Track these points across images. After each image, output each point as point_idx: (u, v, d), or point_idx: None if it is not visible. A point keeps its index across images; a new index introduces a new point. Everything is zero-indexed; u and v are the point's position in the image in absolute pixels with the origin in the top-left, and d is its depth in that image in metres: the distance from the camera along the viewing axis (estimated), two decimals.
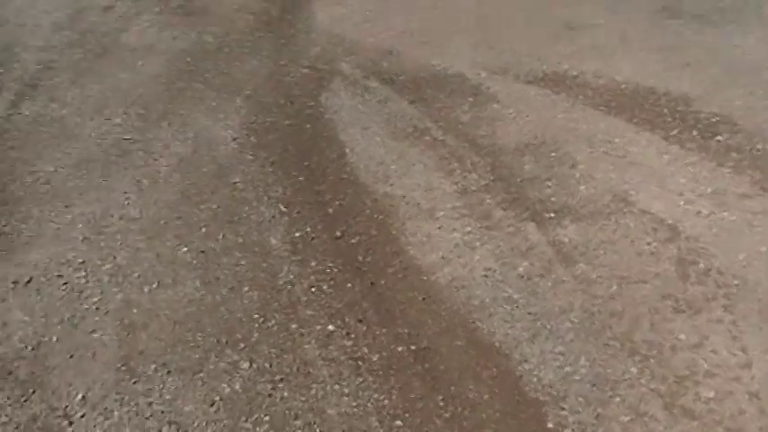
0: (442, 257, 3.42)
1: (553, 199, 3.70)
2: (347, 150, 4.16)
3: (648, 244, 3.40)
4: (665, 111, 4.28)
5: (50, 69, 5.22)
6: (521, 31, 5.22)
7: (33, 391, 2.97)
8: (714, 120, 4.21)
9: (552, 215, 3.60)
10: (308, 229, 3.65)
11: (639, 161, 3.90)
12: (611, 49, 4.90)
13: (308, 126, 4.38)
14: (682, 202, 3.64)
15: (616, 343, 2.96)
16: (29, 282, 3.49)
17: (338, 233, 3.62)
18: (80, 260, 3.57)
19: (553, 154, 4.00)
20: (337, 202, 3.81)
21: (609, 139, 4.06)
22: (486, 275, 3.30)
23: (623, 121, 4.20)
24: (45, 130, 4.55)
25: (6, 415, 2.89)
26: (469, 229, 3.56)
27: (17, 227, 3.82)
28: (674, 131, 4.11)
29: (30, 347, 3.16)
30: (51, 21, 5.93)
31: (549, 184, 3.79)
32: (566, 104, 4.37)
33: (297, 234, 3.63)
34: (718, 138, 4.07)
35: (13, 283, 3.49)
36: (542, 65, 4.78)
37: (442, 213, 3.67)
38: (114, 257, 3.57)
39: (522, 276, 3.28)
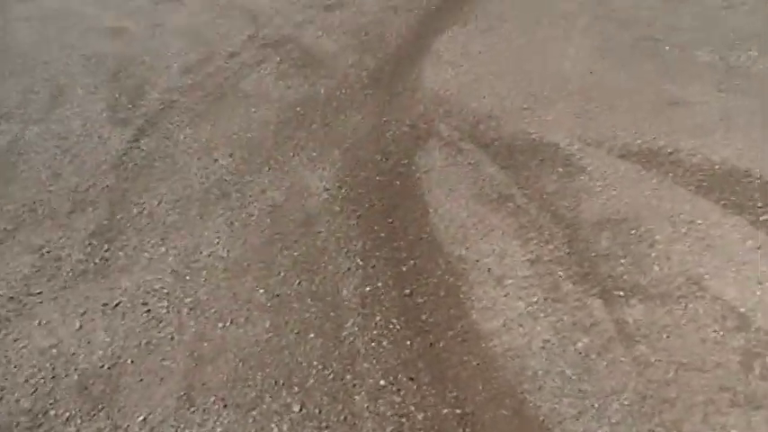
0: (504, 325, 3.47)
1: (625, 277, 3.69)
2: (431, 210, 4.27)
3: (715, 332, 3.35)
4: (757, 195, 4.18)
5: (171, 109, 5.60)
6: (623, 104, 5.21)
7: (102, 408, 3.21)
8: None
9: (621, 293, 3.60)
10: (380, 285, 3.78)
11: (720, 245, 3.84)
12: (712, 128, 4.82)
13: (397, 183, 4.53)
14: (759, 292, 3.56)
15: (662, 430, 2.94)
16: (117, 305, 3.76)
17: (407, 291, 3.73)
18: (165, 291, 3.83)
19: (633, 231, 3.99)
20: (412, 261, 3.92)
21: (692, 220, 4.01)
22: (543, 347, 3.33)
23: (711, 203, 4.13)
24: (157, 165, 4.88)
25: (75, 425, 3.14)
26: (535, 299, 3.60)
27: (115, 253, 4.13)
28: (763, 217, 4.02)
29: (107, 366, 3.41)
30: (181, 63, 6.36)
31: (623, 262, 3.78)
32: (654, 181, 4.34)
33: (368, 288, 3.76)
34: None
35: (103, 305, 3.77)
36: (638, 139, 4.76)
37: (511, 281, 3.73)
38: (196, 292, 3.81)
39: (580, 352, 3.30)
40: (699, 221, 4.02)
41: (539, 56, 6.05)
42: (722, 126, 4.84)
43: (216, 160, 4.90)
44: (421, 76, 5.81)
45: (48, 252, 4.20)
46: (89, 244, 4.22)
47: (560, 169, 4.55)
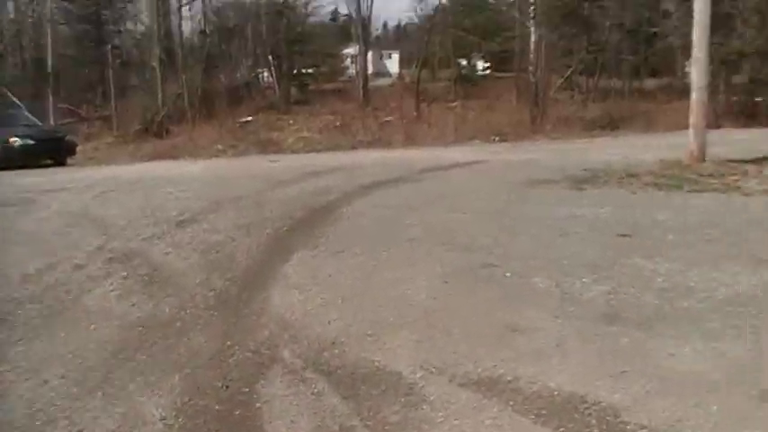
0: None
1: None
2: None
3: None
4: (593, 421, 4.27)
5: (4, 322, 5.36)
6: (464, 331, 5.37)
7: None
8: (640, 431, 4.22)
9: None
10: None
11: None
12: (549, 354, 5.00)
13: (237, 413, 4.42)
14: None
15: None
16: None
17: None
18: None
19: None
20: None
21: None
22: None
23: (550, 431, 4.21)
24: None
25: None
26: None
27: None
28: None
29: None
30: (21, 272, 6.17)
31: None
32: (495, 410, 4.39)
33: None
34: None
35: None
36: (478, 367, 4.86)
37: None
38: None
39: None
40: None
41: (385, 281, 6.24)
42: (558, 352, 5.02)
43: (46, 382, 4.67)
44: (269, 299, 5.85)
45: None
46: None
47: (403, 399, 4.56)
